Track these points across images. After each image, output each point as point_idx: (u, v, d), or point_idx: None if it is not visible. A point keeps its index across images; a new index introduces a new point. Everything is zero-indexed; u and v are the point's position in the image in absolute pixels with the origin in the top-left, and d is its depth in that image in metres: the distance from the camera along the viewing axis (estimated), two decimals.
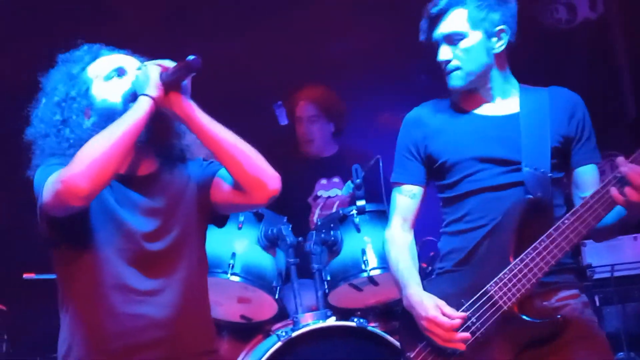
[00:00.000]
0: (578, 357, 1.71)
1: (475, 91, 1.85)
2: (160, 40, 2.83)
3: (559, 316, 1.68)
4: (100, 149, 1.54)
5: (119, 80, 1.69)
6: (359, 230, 2.60)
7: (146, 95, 1.60)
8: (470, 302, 1.70)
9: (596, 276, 3.04)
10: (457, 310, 1.71)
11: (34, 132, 1.75)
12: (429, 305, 1.70)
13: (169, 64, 1.60)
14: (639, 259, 3.07)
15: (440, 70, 1.88)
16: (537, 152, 1.78)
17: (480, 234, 1.77)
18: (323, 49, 3.43)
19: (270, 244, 2.57)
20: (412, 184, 1.89)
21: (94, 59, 1.77)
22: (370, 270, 2.51)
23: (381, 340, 2.40)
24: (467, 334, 1.67)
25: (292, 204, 2.93)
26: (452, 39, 1.81)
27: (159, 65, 1.62)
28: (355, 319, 2.43)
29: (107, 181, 1.54)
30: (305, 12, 3.54)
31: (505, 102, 1.86)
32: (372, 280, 2.54)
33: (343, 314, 2.58)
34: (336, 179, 3.08)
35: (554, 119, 1.82)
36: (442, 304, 1.71)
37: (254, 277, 2.55)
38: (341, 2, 3.52)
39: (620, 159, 1.61)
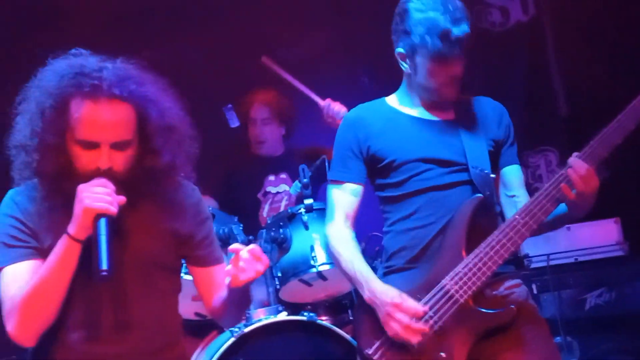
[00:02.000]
0: (527, 341, 1.71)
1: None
2: (114, 43, 2.55)
3: (512, 306, 1.67)
4: (32, 306, 1.46)
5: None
6: (307, 228, 2.57)
7: (69, 234, 1.43)
8: (427, 297, 1.68)
9: (533, 265, 3.04)
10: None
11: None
12: (394, 294, 1.67)
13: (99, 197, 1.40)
14: (573, 249, 3.07)
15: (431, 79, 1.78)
16: (478, 154, 1.78)
17: (431, 231, 1.75)
18: (272, 53, 3.29)
19: (222, 243, 2.36)
20: (353, 182, 1.83)
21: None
22: (319, 265, 2.48)
23: (331, 333, 2.39)
24: (425, 327, 1.65)
25: (243, 201, 2.95)
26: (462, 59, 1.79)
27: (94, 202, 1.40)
28: (306, 313, 2.41)
29: (47, 326, 1.48)
30: (256, 17, 3.45)
31: (441, 109, 1.84)
32: (321, 275, 2.52)
33: (294, 308, 2.56)
34: (283, 175, 3.04)
35: (484, 125, 1.83)
36: (404, 295, 1.68)
37: None
38: (291, 7, 3.43)
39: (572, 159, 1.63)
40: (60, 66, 1.51)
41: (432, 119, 1.85)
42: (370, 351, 1.70)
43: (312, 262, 2.48)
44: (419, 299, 1.69)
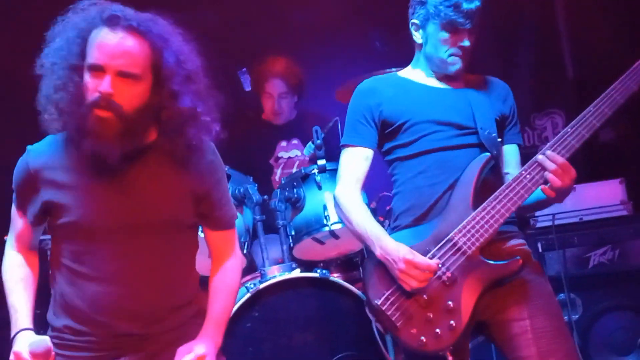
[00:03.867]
0: (531, 296, 1.70)
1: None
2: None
3: (518, 257, 1.64)
4: None
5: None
6: (320, 188, 2.51)
7: None
8: (435, 249, 1.66)
9: (538, 225, 2.96)
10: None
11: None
12: (406, 251, 1.65)
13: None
14: (577, 208, 2.97)
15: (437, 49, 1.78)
16: (486, 119, 1.77)
17: (440, 189, 1.73)
18: (285, 18, 3.25)
19: (237, 202, 2.46)
20: (365, 147, 1.81)
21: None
22: (331, 224, 2.44)
23: (343, 289, 2.37)
24: (436, 280, 1.64)
25: (255, 166, 2.87)
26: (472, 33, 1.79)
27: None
28: (318, 270, 2.40)
29: None
30: None
31: (451, 80, 1.83)
32: (333, 234, 2.46)
33: (307, 265, 2.54)
34: (295, 141, 2.98)
35: (491, 98, 1.83)
36: (415, 251, 1.66)
37: None
38: None
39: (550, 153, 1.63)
40: (85, 5, 1.47)
41: (444, 87, 1.84)
42: (379, 302, 1.68)
43: (324, 221, 2.44)
44: (427, 252, 1.66)
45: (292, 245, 2.50)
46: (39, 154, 1.50)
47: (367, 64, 2.75)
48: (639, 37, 3.22)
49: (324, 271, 2.39)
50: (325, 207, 2.45)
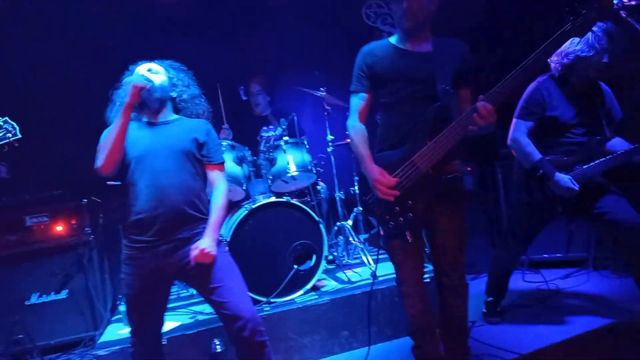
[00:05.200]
0: (457, 209, 1.94)
1: (414, 33, 1.88)
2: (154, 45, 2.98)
3: (455, 175, 1.84)
4: (103, 146, 1.77)
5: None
6: (285, 152, 3.04)
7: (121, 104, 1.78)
8: (400, 168, 1.82)
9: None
10: (393, 173, 1.83)
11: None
12: (376, 172, 1.83)
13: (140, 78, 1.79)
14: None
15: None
16: (445, 76, 1.83)
17: (408, 126, 1.84)
18: (262, 54, 3.75)
19: (239, 161, 3.00)
20: (364, 92, 1.94)
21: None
22: (291, 172, 2.96)
23: (299, 207, 2.85)
24: (396, 191, 1.81)
25: (250, 141, 3.28)
26: None
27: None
28: (285, 198, 2.86)
29: (115, 163, 1.78)
30: (253, 27, 3.86)
31: (420, 41, 1.92)
32: (292, 177, 2.99)
33: (278, 195, 2.98)
34: (272, 127, 3.30)
35: (451, 57, 1.87)
36: (384, 172, 1.82)
37: (231, 178, 2.91)
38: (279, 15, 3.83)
39: (480, 97, 1.70)
40: None
41: (415, 50, 1.90)
42: (366, 198, 1.95)
43: (287, 171, 2.97)
44: (396, 168, 1.81)
45: (270, 184, 3.01)
46: None
47: (318, 83, 3.27)
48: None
49: (288, 197, 2.86)
50: (288, 162, 2.97)
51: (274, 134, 3.14)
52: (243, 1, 3.84)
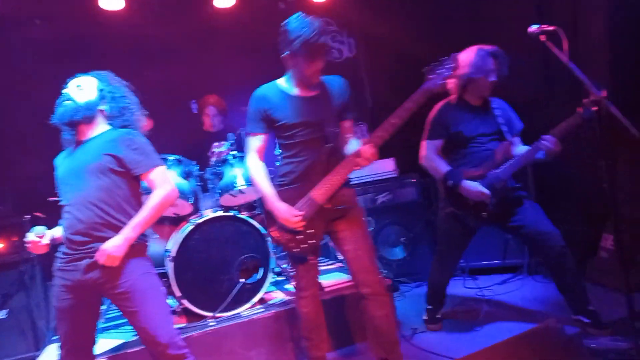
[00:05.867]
0: (357, 220, 2.06)
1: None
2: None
3: (347, 205, 2.02)
4: None
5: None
6: (233, 166, 3.01)
7: None
8: (300, 202, 1.99)
9: (355, 182, 3.41)
10: (294, 206, 1.98)
11: None
12: (284, 210, 1.98)
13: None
14: (373, 173, 3.87)
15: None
16: (332, 116, 2.02)
17: (305, 163, 2.01)
18: (216, 74, 3.80)
19: (186, 176, 3.00)
20: (260, 133, 2.07)
21: None
22: (239, 186, 2.93)
23: (246, 221, 2.84)
24: (303, 222, 1.98)
25: (200, 155, 3.29)
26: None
27: None
28: (232, 211, 2.84)
29: None
30: (208, 54, 3.95)
31: (309, 88, 2.04)
32: (240, 191, 2.97)
33: (227, 209, 2.94)
34: (222, 142, 3.30)
35: (333, 94, 2.05)
36: (290, 207, 1.97)
37: (178, 193, 2.63)
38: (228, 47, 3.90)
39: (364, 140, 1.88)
40: None
41: (305, 95, 2.03)
42: (272, 229, 2.08)
43: (235, 184, 2.93)
44: (297, 203, 1.98)
45: (218, 198, 2.99)
46: None
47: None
48: (417, 74, 3.92)
49: (235, 211, 2.83)
50: (235, 177, 2.93)
51: (224, 149, 3.15)
52: (197, 21, 3.89)
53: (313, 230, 1.97)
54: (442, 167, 2.59)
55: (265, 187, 2.02)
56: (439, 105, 2.67)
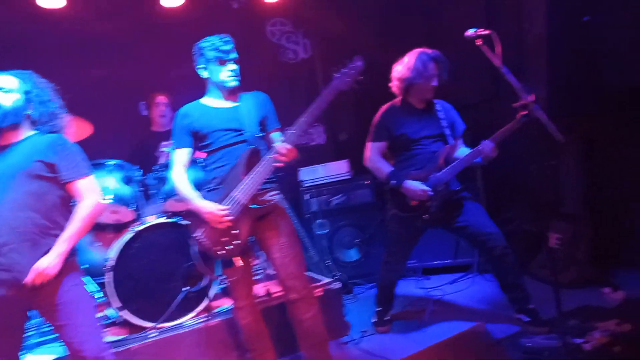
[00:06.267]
0: (282, 224, 2.11)
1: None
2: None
3: (271, 203, 2.07)
4: None
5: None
6: None
7: None
8: (225, 202, 2.03)
9: (306, 184, 3.84)
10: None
11: None
12: (209, 206, 2.02)
13: None
14: (327, 175, 3.88)
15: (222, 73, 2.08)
16: (251, 123, 2.10)
17: (228, 167, 2.07)
18: (164, 73, 3.73)
19: (127, 181, 2.89)
20: (185, 147, 2.15)
21: None
22: None
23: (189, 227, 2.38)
24: (228, 218, 2.01)
25: (149, 156, 3.19)
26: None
27: None
28: (176, 218, 2.74)
29: None
30: (154, 46, 3.78)
31: (231, 98, 2.13)
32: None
33: (172, 215, 2.82)
34: (170, 142, 2.98)
35: (256, 105, 2.15)
36: (218, 205, 2.01)
37: (118, 200, 2.85)
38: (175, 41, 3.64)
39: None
40: None
41: (226, 105, 2.12)
42: (197, 234, 2.08)
43: None
44: (221, 203, 2.02)
45: (162, 204, 2.91)
46: None
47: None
48: (373, 75, 3.79)
49: (179, 217, 2.72)
50: None
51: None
52: (144, 19, 3.77)
53: (237, 231, 2.00)
54: (384, 167, 2.60)
55: (188, 191, 2.07)
56: (384, 107, 2.68)
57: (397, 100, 2.67)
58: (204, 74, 2.13)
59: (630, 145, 2.78)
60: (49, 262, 1.67)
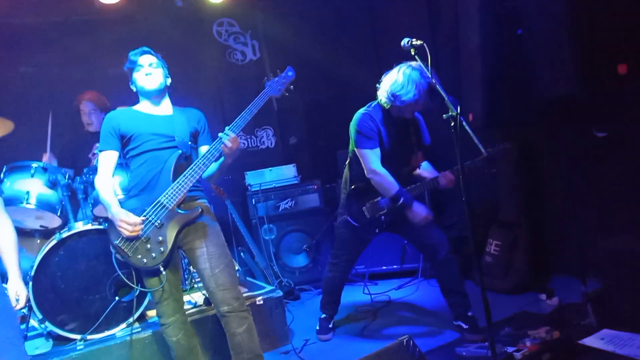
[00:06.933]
0: (209, 231, 2.04)
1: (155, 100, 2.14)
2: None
3: (198, 208, 2.03)
4: None
5: None
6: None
7: None
8: (149, 208, 1.98)
9: (253, 189, 3.78)
10: (142, 214, 1.96)
11: None
12: (123, 214, 1.94)
13: None
14: (275, 179, 3.83)
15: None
16: (183, 132, 2.10)
17: (153, 172, 2.02)
18: (100, 70, 3.62)
19: (52, 185, 2.75)
20: (112, 150, 2.10)
21: None
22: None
23: None
24: (139, 227, 1.93)
25: (80, 159, 3.11)
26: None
27: None
28: (105, 224, 2.50)
29: None
30: (91, 44, 3.66)
31: (161, 107, 2.16)
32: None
33: (102, 221, 2.68)
34: None
35: (188, 120, 2.17)
36: (129, 213, 1.96)
37: (42, 205, 2.70)
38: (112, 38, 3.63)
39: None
40: None
41: (158, 114, 2.14)
42: (116, 242, 2.00)
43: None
44: (144, 210, 1.96)
45: (92, 209, 2.78)
46: None
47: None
48: (322, 77, 3.82)
49: (106, 223, 2.34)
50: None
51: None
52: (78, 14, 3.62)
53: (161, 238, 1.95)
54: (393, 185, 2.43)
55: (108, 197, 2.02)
56: (367, 108, 2.53)
57: (377, 105, 2.52)
58: (130, 78, 2.18)
59: (562, 153, 2.83)
60: (22, 287, 1.68)
